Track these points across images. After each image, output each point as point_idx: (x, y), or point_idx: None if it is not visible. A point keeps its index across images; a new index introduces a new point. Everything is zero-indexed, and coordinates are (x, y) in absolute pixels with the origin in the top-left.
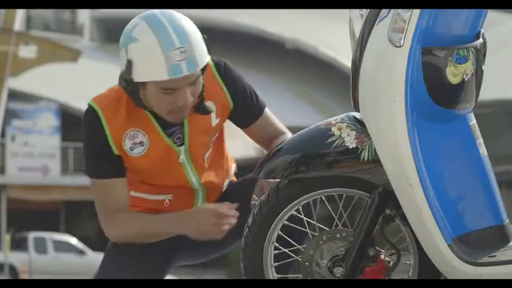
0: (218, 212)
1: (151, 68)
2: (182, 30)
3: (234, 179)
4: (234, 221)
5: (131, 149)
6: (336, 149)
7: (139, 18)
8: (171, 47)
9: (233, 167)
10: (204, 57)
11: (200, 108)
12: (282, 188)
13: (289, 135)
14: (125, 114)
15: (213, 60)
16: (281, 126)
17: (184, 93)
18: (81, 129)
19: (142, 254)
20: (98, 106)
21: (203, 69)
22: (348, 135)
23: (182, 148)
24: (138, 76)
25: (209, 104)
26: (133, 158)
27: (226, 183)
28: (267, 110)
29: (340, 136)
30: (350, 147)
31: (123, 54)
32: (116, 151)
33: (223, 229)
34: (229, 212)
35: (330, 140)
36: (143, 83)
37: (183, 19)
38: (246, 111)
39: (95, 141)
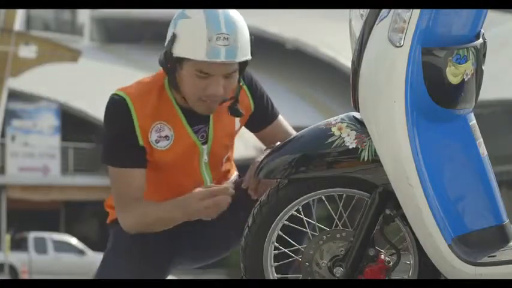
0: (209, 191)
1: (192, 45)
2: (232, 20)
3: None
4: (227, 199)
5: (156, 141)
6: (336, 149)
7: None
8: (217, 30)
9: (235, 172)
10: (245, 53)
11: (234, 110)
12: (282, 188)
13: None
14: (153, 107)
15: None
16: (291, 129)
17: (217, 83)
18: (106, 117)
19: (142, 255)
20: (128, 96)
21: (241, 71)
22: (348, 135)
23: (205, 147)
24: (178, 50)
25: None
26: (156, 151)
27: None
28: (280, 117)
29: (340, 136)
30: (350, 147)
31: (171, 29)
32: (141, 142)
33: (217, 206)
34: (222, 190)
35: (330, 140)
36: (181, 62)
37: (237, 14)
38: (262, 116)
39: (121, 129)
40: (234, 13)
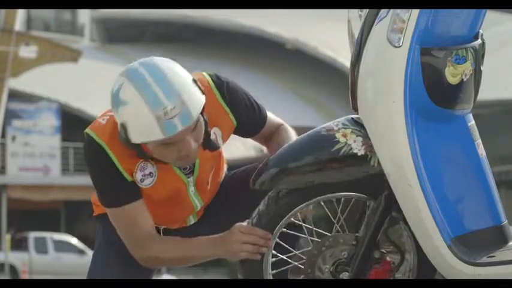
0: (253, 237)
1: (145, 130)
2: (169, 85)
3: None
4: (265, 250)
5: (141, 180)
6: (344, 157)
7: (122, 77)
8: (159, 106)
9: (225, 169)
10: (198, 104)
11: (209, 146)
12: (282, 197)
13: (284, 125)
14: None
15: (213, 79)
16: (277, 119)
17: (187, 143)
18: (88, 162)
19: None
20: (102, 140)
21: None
22: (355, 141)
23: (191, 178)
24: (135, 138)
25: (214, 131)
26: (143, 189)
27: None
28: (269, 115)
29: (346, 143)
30: (359, 154)
31: (116, 116)
32: (129, 179)
33: (254, 255)
34: (261, 233)
35: (336, 147)
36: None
37: (168, 68)
38: (250, 126)
39: (105, 172)
40: (164, 70)
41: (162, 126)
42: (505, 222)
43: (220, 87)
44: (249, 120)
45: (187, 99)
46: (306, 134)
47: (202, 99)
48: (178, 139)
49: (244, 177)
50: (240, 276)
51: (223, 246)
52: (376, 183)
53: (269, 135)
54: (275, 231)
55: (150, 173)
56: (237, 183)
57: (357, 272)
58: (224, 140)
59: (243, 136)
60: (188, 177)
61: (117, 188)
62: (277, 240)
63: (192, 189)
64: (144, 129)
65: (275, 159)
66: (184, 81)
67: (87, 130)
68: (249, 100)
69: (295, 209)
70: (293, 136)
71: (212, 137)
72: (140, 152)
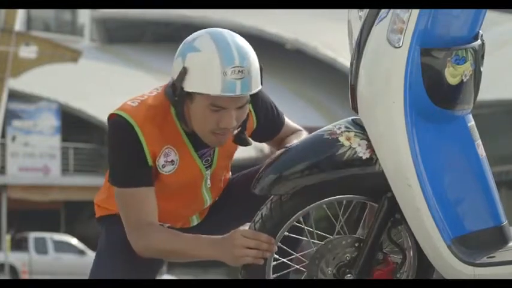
0: (256, 242)
1: (206, 80)
2: (244, 51)
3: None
4: (268, 255)
5: (163, 166)
6: (350, 161)
7: (203, 31)
8: (231, 63)
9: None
10: (258, 83)
11: (240, 139)
12: (286, 201)
13: (303, 132)
14: (159, 131)
15: None
16: (294, 125)
17: (230, 115)
18: (113, 141)
19: (134, 253)
20: (135, 121)
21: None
22: (359, 145)
23: (208, 171)
24: (190, 86)
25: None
26: (162, 175)
27: None
28: (286, 120)
29: (350, 147)
30: (364, 157)
31: (179, 62)
32: (150, 163)
33: (258, 260)
34: (264, 238)
35: (340, 151)
36: (191, 95)
37: (246, 43)
38: (267, 129)
39: (131, 152)
40: (244, 42)
41: (224, 83)
42: (505, 222)
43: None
44: (268, 123)
45: (253, 71)
46: (307, 137)
47: (260, 84)
48: (226, 106)
49: (245, 182)
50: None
51: (223, 249)
52: (379, 185)
53: (283, 139)
54: (278, 235)
55: (172, 160)
56: (238, 188)
57: (360, 274)
58: None
59: (258, 140)
60: (207, 170)
61: (135, 169)
62: (279, 244)
63: (208, 182)
64: (206, 78)
65: (276, 163)
66: (256, 59)
67: (116, 111)
68: (270, 103)
69: (299, 213)
70: None
71: (246, 133)
72: (180, 110)
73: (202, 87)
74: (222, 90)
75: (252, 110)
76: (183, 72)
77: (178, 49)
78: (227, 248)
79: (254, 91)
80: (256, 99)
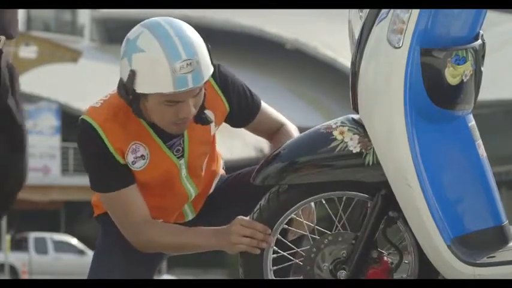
0: (252, 230)
1: (156, 80)
2: (189, 41)
3: (223, 172)
4: (264, 245)
5: (133, 163)
6: (340, 154)
7: (142, 27)
8: (178, 58)
9: (221, 163)
10: (209, 69)
11: (201, 119)
12: (283, 192)
13: (289, 126)
14: (123, 128)
15: None
16: (280, 117)
17: (187, 106)
18: (79, 145)
19: (132, 251)
20: (95, 121)
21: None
22: (351, 139)
23: (182, 161)
24: (141, 87)
25: (208, 113)
26: (135, 172)
27: (215, 181)
28: (263, 104)
29: (343, 140)
30: (354, 151)
31: (126, 64)
32: (122, 161)
33: (253, 249)
34: (260, 227)
35: (332, 145)
36: (145, 94)
37: (188, 28)
38: (243, 112)
39: (98, 154)
40: (185, 30)
41: (174, 79)
42: (506, 222)
43: (213, 72)
44: (241, 106)
45: (202, 60)
46: (306, 132)
47: (211, 67)
48: (182, 99)
49: (242, 178)
50: (241, 271)
51: (222, 237)
52: (372, 182)
53: (273, 132)
54: (275, 227)
55: (142, 155)
56: (235, 185)
57: (354, 271)
58: (217, 123)
59: (236, 125)
60: (180, 160)
61: (109, 173)
62: (279, 236)
63: (183, 172)
64: (155, 79)
65: (276, 156)
66: (202, 43)
67: (82, 116)
68: (241, 85)
69: (296, 206)
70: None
71: (206, 112)
72: (136, 108)
73: (154, 87)
74: (174, 87)
75: (221, 95)
76: (132, 75)
77: (122, 47)
78: (225, 234)
79: (206, 78)
80: (226, 84)
